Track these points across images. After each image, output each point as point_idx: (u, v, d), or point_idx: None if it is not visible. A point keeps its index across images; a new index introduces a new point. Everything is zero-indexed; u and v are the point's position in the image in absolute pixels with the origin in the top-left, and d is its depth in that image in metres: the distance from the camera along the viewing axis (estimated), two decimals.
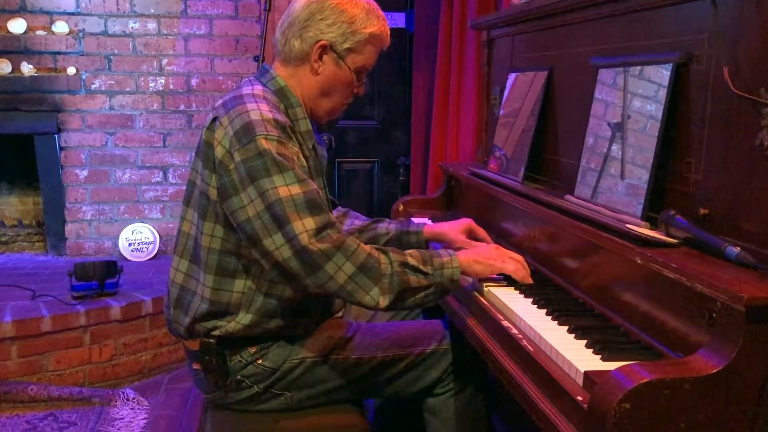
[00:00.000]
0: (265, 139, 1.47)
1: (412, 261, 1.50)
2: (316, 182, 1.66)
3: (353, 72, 1.64)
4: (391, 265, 1.47)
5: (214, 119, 1.55)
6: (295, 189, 1.45)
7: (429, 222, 2.09)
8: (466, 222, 1.91)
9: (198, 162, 1.59)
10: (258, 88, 1.61)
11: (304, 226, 1.43)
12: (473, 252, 1.62)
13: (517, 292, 1.57)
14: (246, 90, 1.60)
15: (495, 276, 1.62)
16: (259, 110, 1.51)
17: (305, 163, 1.57)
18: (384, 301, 1.46)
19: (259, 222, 1.46)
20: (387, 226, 1.95)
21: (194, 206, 1.62)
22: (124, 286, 3.11)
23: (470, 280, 1.64)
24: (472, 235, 1.89)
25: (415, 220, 2.29)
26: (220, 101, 1.62)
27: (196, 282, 1.62)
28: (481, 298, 1.58)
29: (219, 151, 1.51)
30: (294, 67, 1.65)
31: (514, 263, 1.61)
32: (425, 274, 1.50)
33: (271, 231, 1.45)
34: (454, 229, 1.89)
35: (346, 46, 1.61)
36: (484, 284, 1.60)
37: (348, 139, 3.94)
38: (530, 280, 1.60)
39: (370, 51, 1.65)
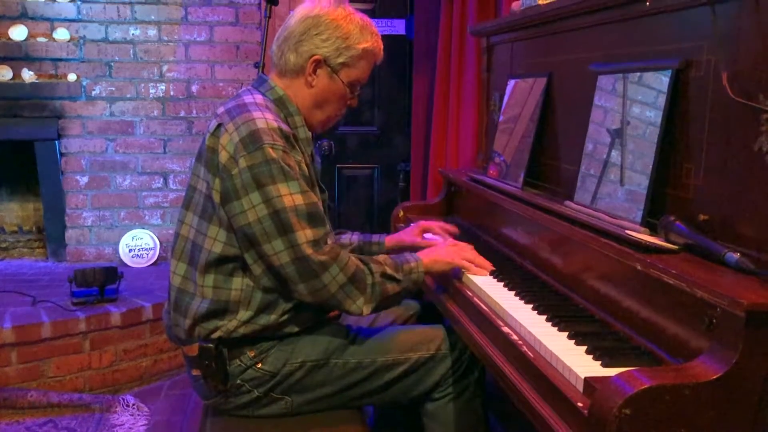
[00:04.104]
0: (272, 148, 1.51)
1: (389, 270, 1.63)
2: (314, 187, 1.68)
3: (346, 85, 1.70)
4: (373, 276, 1.60)
5: (219, 126, 1.58)
6: (299, 199, 1.52)
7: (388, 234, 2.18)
8: (419, 224, 2.07)
9: (200, 167, 1.61)
10: (258, 98, 1.65)
11: (306, 236, 1.52)
12: (433, 253, 1.75)
13: (518, 298, 1.57)
14: (248, 99, 1.63)
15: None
16: (265, 119, 1.55)
17: (306, 172, 1.61)
18: (367, 309, 1.60)
19: (260, 227, 1.51)
20: (350, 237, 2.05)
21: (194, 210, 1.64)
22: (124, 292, 3.11)
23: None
24: (426, 233, 2.05)
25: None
26: (222, 109, 1.65)
27: (194, 284, 1.63)
28: (482, 305, 1.58)
29: (223, 156, 1.54)
30: (289, 79, 1.69)
31: (464, 259, 1.75)
32: (398, 281, 1.64)
33: (272, 236, 1.51)
34: (409, 233, 2.04)
35: (340, 60, 1.66)
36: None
37: (348, 144, 3.94)
38: (485, 272, 1.73)
39: (363, 65, 1.70)
